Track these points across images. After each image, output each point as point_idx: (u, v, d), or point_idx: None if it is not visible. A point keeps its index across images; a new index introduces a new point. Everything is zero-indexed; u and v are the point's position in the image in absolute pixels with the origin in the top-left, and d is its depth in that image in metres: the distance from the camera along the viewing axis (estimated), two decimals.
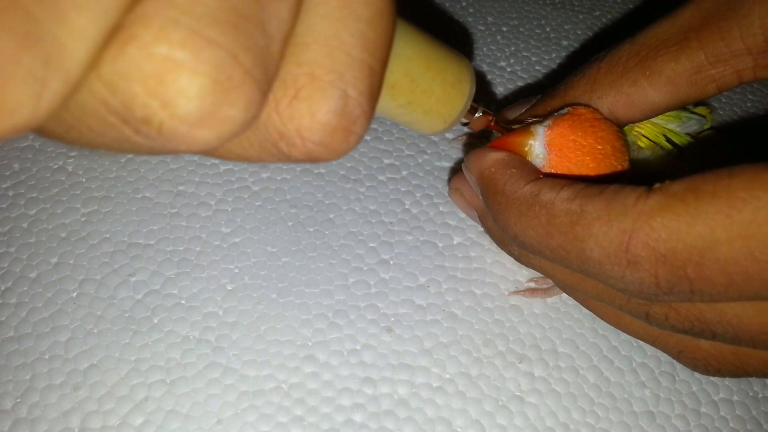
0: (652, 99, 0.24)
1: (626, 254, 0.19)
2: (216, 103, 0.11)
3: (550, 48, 0.40)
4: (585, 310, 0.30)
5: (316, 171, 0.33)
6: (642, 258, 0.18)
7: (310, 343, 0.28)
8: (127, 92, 0.11)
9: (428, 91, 0.20)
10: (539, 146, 0.24)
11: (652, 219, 0.18)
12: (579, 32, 0.41)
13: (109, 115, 0.11)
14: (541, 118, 0.25)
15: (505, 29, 0.41)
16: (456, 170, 0.34)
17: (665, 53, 0.24)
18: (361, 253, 0.31)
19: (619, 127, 0.25)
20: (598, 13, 0.43)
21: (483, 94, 0.37)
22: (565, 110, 0.25)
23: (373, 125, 0.36)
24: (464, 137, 0.35)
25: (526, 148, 0.24)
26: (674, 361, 0.29)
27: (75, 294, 0.28)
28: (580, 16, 0.42)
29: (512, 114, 0.29)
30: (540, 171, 0.24)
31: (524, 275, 0.31)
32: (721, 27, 0.23)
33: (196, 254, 0.29)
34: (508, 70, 0.39)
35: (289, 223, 0.31)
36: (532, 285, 0.30)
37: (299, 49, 0.13)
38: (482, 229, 0.32)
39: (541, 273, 0.26)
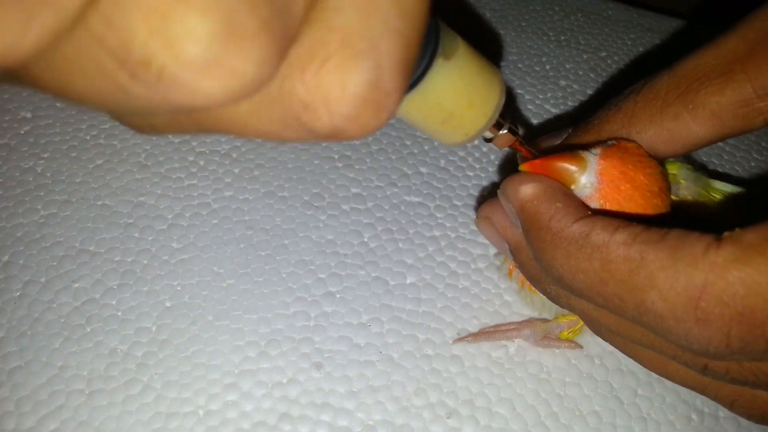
0: (695, 133, 0.23)
1: (695, 311, 0.17)
2: (225, 52, 0.10)
3: (546, 87, 0.39)
4: (531, 370, 0.29)
5: (279, 194, 0.33)
6: (714, 315, 0.17)
7: (236, 371, 0.27)
8: (126, 28, 0.09)
9: (460, 122, 0.19)
10: (589, 175, 0.22)
11: (727, 272, 0.16)
12: (580, 72, 0.40)
13: (104, 54, 0.10)
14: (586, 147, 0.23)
15: (502, 63, 0.40)
16: (423, 206, 0.33)
17: (708, 86, 0.23)
18: (308, 282, 0.30)
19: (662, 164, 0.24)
20: (604, 54, 0.41)
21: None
22: (610, 142, 0.23)
23: (346, 150, 0.35)
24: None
25: (575, 175, 0.22)
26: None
27: (18, 294, 0.28)
28: (584, 56, 0.41)
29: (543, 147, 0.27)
30: (588, 206, 0.22)
31: (474, 325, 0.30)
32: None
33: (142, 267, 0.30)
34: None
35: (242, 245, 0.31)
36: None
37: (331, 14, 0.12)
38: (487, 264, 0.31)
39: (580, 316, 0.24)
